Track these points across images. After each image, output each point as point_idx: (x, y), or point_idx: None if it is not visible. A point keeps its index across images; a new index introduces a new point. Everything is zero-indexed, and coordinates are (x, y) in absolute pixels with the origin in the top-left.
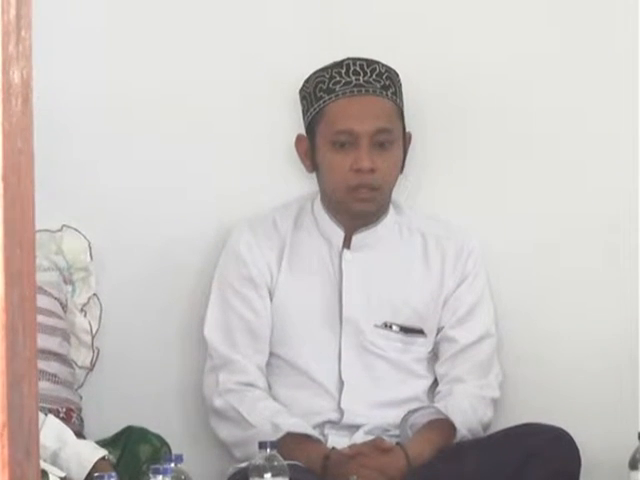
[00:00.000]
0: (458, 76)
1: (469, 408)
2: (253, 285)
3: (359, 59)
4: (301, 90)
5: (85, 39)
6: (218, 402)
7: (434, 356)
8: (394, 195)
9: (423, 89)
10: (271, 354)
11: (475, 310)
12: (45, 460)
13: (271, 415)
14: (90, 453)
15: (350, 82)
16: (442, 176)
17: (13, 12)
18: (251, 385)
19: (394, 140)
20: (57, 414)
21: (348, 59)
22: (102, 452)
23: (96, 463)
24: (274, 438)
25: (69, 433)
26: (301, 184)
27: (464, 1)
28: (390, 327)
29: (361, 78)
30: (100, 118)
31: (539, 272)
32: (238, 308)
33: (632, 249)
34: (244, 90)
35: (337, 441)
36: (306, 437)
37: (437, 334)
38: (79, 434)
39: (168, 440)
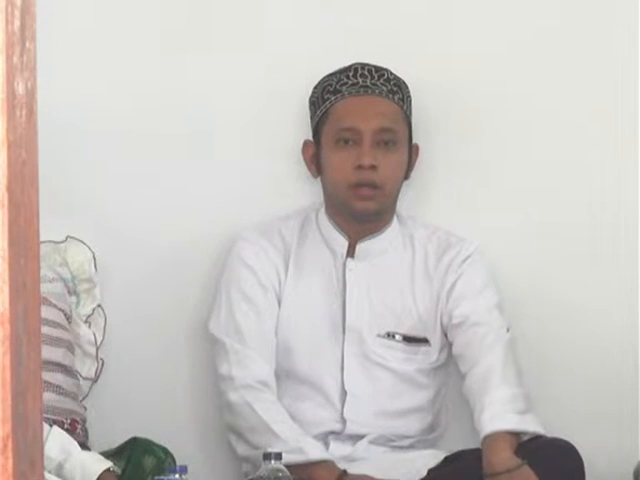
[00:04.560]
0: (463, 87)
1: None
2: (263, 290)
3: (368, 64)
4: (310, 97)
5: (89, 51)
6: (233, 397)
7: (444, 363)
8: (397, 207)
9: (429, 100)
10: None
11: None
12: (50, 471)
13: (294, 434)
14: (95, 464)
15: (357, 83)
16: (445, 187)
17: (17, 23)
18: (265, 385)
19: (397, 141)
20: (62, 425)
21: (357, 64)
22: (107, 463)
23: (101, 474)
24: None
25: (74, 444)
26: (305, 194)
27: (471, 12)
28: (393, 337)
29: (368, 80)
30: (104, 129)
31: (542, 283)
32: (247, 312)
33: (633, 253)
34: (247, 99)
35: (339, 450)
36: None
37: (443, 337)
38: (84, 445)
39: (173, 451)
